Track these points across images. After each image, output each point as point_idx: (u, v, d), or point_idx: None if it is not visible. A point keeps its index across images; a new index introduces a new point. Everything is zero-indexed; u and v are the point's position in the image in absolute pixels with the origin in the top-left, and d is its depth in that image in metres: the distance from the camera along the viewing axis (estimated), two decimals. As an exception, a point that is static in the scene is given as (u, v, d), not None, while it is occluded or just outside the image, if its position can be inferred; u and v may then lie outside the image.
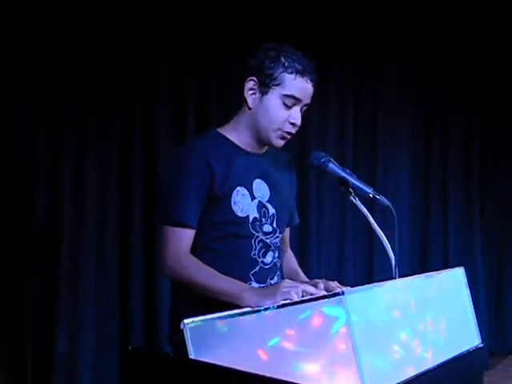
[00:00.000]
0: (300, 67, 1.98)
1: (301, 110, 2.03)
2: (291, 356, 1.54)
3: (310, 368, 1.52)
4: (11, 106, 3.30)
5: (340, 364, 1.49)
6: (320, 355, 1.51)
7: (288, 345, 1.55)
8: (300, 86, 1.98)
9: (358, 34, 4.62)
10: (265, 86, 1.99)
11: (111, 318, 3.59)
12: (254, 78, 2.00)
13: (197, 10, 3.87)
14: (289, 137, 2.04)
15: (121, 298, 3.63)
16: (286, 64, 1.97)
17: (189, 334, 1.66)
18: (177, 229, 1.96)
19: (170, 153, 3.63)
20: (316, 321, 1.53)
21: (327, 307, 1.51)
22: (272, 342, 1.57)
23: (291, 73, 1.97)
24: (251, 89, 2.01)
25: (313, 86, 2.02)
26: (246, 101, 2.02)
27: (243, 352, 1.61)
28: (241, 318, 1.64)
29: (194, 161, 1.96)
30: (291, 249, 2.32)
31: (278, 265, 2.11)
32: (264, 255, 2.05)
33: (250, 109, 2.03)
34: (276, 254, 2.09)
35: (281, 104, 1.99)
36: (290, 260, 2.27)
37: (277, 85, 1.98)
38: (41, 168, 3.38)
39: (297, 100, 2.00)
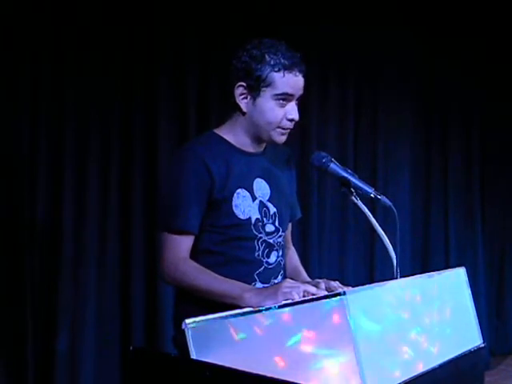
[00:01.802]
0: (286, 62, 1.95)
1: (296, 103, 2.02)
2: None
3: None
4: (11, 105, 3.30)
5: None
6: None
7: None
8: (290, 81, 1.97)
9: (358, 34, 4.61)
10: (255, 90, 1.97)
11: (112, 317, 3.59)
12: (243, 83, 1.98)
13: (197, 10, 3.86)
14: (288, 131, 2.04)
15: (122, 298, 3.62)
16: (272, 62, 1.95)
17: (190, 335, 1.66)
18: (176, 236, 1.95)
19: (170, 153, 3.63)
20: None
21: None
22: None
23: (279, 70, 1.95)
24: (241, 94, 2.00)
25: (303, 76, 2.00)
26: (238, 106, 2.01)
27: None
28: (252, 321, 1.63)
29: (193, 165, 1.95)
30: (293, 246, 2.31)
31: (282, 264, 2.11)
32: (268, 255, 2.05)
33: (244, 114, 2.01)
34: (280, 253, 2.09)
35: (275, 104, 1.98)
36: (293, 258, 2.27)
37: (267, 86, 1.96)
38: (41, 168, 3.37)
39: (290, 95, 1.98)
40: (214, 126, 2.14)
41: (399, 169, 5.05)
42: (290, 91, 1.97)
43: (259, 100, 1.98)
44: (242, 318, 1.64)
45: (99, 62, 3.52)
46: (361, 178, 1.99)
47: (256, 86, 1.96)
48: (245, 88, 1.99)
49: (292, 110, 2.00)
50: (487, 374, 4.49)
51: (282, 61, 1.95)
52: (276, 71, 1.95)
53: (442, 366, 1.74)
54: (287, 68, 1.95)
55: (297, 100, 2.02)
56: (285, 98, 1.97)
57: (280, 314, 1.59)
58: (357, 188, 1.97)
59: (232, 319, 1.64)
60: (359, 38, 4.62)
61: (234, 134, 2.05)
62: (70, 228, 3.43)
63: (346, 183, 1.98)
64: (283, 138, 2.04)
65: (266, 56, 1.96)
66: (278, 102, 1.97)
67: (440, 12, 5.10)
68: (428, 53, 5.13)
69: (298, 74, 1.98)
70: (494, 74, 5.47)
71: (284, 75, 1.95)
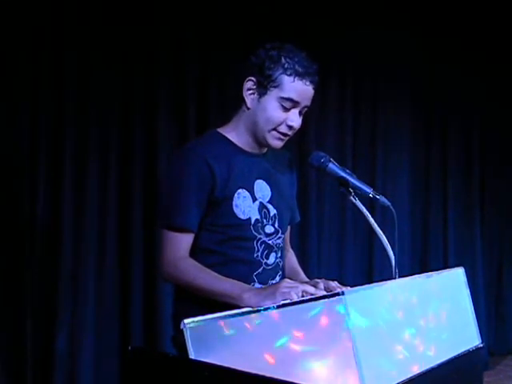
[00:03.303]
0: (300, 69, 1.95)
1: (300, 113, 2.01)
2: (299, 356, 1.54)
3: (319, 367, 1.51)
4: (11, 105, 3.30)
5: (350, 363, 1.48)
6: (330, 353, 1.51)
7: (295, 345, 1.54)
8: (298, 88, 1.96)
9: (357, 35, 4.62)
10: (263, 88, 1.97)
11: (111, 317, 3.59)
12: (253, 78, 1.98)
13: (196, 10, 3.87)
14: (285, 138, 2.03)
15: (121, 298, 3.63)
16: (286, 65, 1.95)
17: (189, 334, 1.66)
18: (176, 233, 1.95)
19: (170, 153, 3.63)
20: (325, 319, 1.51)
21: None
22: (279, 343, 1.57)
23: (290, 75, 1.95)
24: (249, 89, 2.00)
25: (313, 88, 1.99)
26: (244, 100, 2.01)
27: (248, 354, 1.61)
28: (244, 318, 1.64)
29: (195, 164, 1.95)
30: (292, 248, 2.32)
31: (281, 265, 2.12)
32: (267, 256, 2.05)
33: (248, 109, 2.02)
34: (278, 255, 2.10)
35: (278, 106, 1.97)
36: (291, 259, 2.27)
37: (275, 87, 1.96)
38: (41, 167, 3.38)
39: (295, 103, 1.98)
40: (214, 126, 2.14)
41: (398, 169, 5.05)
42: (295, 98, 1.97)
43: (264, 98, 1.98)
44: (240, 317, 1.64)
45: (99, 61, 3.52)
46: (359, 179, 2.00)
47: (265, 84, 1.96)
48: (254, 83, 1.99)
49: (294, 118, 1.99)
50: (486, 374, 4.50)
51: (296, 67, 1.95)
52: (287, 75, 1.95)
53: (440, 366, 1.74)
54: (299, 74, 1.95)
55: (303, 110, 2.01)
56: (289, 103, 1.97)
57: (278, 313, 1.59)
58: (355, 188, 1.97)
59: (231, 319, 1.65)
60: (358, 39, 4.63)
61: (237, 134, 2.06)
62: (69, 228, 3.43)
63: (344, 183, 1.98)
64: (278, 143, 2.03)
65: (282, 58, 1.96)
66: (281, 105, 1.97)
67: (439, 12, 5.10)
68: (428, 53, 5.13)
69: (308, 83, 1.97)
70: (494, 75, 5.47)
71: (294, 80, 1.95)
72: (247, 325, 1.63)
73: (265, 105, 1.98)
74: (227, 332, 1.63)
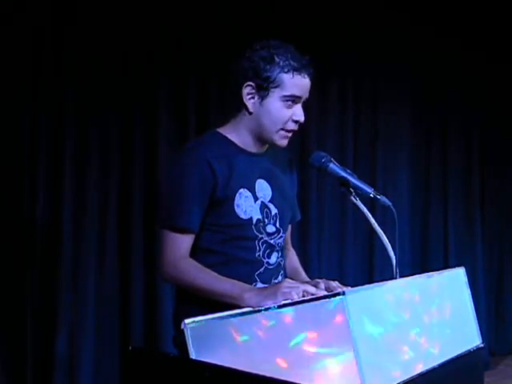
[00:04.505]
0: (296, 64, 1.96)
1: (301, 106, 2.03)
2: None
3: (319, 367, 1.51)
4: (11, 105, 3.30)
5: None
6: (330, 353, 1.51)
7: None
8: (299, 83, 1.97)
9: (357, 35, 4.61)
10: (263, 90, 1.97)
11: (111, 317, 3.59)
12: (251, 83, 1.98)
13: (196, 10, 3.87)
14: (290, 134, 2.04)
15: (121, 298, 3.63)
16: (281, 63, 1.95)
17: (189, 334, 1.66)
18: (178, 234, 1.95)
19: (170, 153, 3.63)
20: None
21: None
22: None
23: (288, 72, 1.95)
24: (249, 93, 1.99)
25: (310, 79, 2.01)
26: (245, 106, 2.00)
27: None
28: (244, 318, 1.63)
29: (196, 164, 1.95)
30: (293, 247, 2.32)
31: (282, 264, 2.12)
32: (269, 256, 2.05)
33: (250, 113, 2.01)
34: (280, 254, 2.10)
35: (282, 105, 1.98)
36: (292, 259, 2.27)
37: (276, 87, 1.96)
38: (41, 168, 3.38)
39: (298, 97, 1.99)
40: (214, 126, 2.13)
41: (398, 169, 5.04)
42: (298, 93, 1.98)
43: (267, 100, 1.98)
44: (241, 318, 1.64)
45: (99, 61, 3.52)
46: (360, 179, 2.00)
47: (265, 87, 1.96)
48: (253, 88, 1.98)
49: (298, 112, 2.00)
50: (487, 374, 4.47)
51: (292, 62, 1.96)
52: (285, 72, 1.95)
53: (441, 366, 1.74)
54: (296, 69, 1.96)
55: (302, 103, 2.02)
56: (293, 99, 1.98)
57: (281, 314, 1.59)
58: (356, 188, 1.97)
59: (232, 319, 1.65)
60: (358, 39, 4.63)
61: (237, 134, 2.05)
62: (69, 228, 3.43)
63: (345, 183, 1.98)
64: (285, 142, 2.04)
65: (275, 57, 1.96)
66: (285, 104, 1.98)
67: (439, 12, 5.10)
68: (428, 53, 5.13)
69: (306, 76, 1.98)
70: (494, 75, 5.47)
71: (293, 76, 1.96)
72: (257, 330, 1.61)
73: (268, 107, 1.98)
74: (228, 332, 1.63)
